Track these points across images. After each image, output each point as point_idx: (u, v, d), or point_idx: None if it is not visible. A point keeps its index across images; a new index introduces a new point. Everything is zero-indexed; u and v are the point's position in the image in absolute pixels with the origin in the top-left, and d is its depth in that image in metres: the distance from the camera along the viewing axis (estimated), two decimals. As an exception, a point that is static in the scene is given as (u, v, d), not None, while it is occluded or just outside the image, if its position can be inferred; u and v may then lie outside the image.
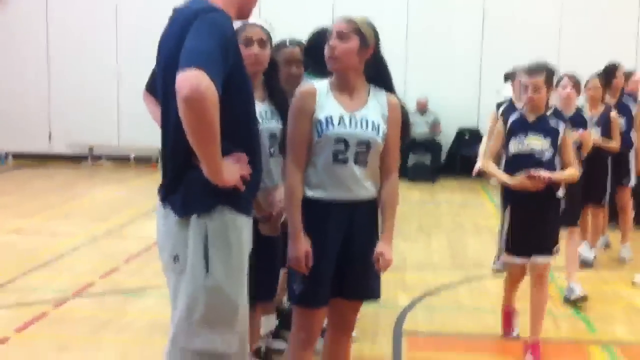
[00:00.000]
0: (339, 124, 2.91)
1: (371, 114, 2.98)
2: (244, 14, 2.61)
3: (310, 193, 2.94)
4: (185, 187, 2.42)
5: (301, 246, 2.89)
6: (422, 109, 12.21)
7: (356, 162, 2.94)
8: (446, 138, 12.46)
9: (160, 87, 2.51)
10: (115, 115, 12.66)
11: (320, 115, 2.91)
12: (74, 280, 5.68)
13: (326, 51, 2.94)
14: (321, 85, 2.98)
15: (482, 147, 6.02)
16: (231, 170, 2.37)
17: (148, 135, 11.69)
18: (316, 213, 2.93)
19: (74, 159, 12.87)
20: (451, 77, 12.30)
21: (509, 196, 4.33)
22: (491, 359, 4.47)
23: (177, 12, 2.48)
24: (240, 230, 2.47)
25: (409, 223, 8.38)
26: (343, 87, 2.98)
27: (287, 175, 2.97)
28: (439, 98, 12.23)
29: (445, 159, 12.53)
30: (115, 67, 12.49)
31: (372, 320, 4.91)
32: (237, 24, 2.98)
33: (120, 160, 12.78)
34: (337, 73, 2.98)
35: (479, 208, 9.63)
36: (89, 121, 12.52)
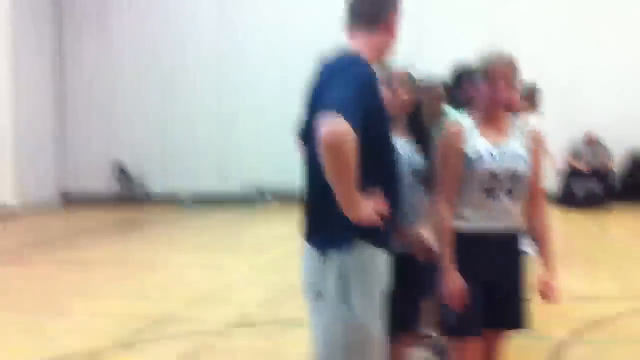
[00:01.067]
0: (488, 158, 3.00)
1: (516, 146, 3.05)
2: (382, 57, 2.76)
3: (462, 225, 3.03)
4: (326, 226, 2.56)
5: (456, 281, 2.98)
6: (591, 143, 11.69)
7: (507, 194, 3.02)
8: (619, 163, 11.81)
9: (305, 133, 2.68)
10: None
11: (470, 151, 3.01)
12: (234, 310, 6.01)
13: (489, 92, 3.02)
14: (467, 123, 3.09)
15: None
16: (368, 208, 2.47)
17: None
18: (467, 245, 3.01)
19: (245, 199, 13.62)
20: (619, 98, 11.64)
21: None
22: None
23: (325, 61, 2.65)
24: (377, 264, 2.58)
25: (575, 253, 8.02)
26: (489, 123, 3.07)
27: (438, 211, 3.06)
28: (608, 120, 11.60)
29: (618, 187, 11.82)
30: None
31: (526, 355, 4.76)
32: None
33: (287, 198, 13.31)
34: (487, 110, 3.07)
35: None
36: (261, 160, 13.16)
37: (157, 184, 14.17)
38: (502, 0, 12.22)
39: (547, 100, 9.43)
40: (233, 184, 13.67)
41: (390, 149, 2.68)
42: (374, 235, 2.54)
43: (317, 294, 2.57)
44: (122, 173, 14.28)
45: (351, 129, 2.29)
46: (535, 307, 5.61)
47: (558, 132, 11.45)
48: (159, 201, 13.88)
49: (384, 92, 3.35)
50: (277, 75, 13.03)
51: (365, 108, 2.41)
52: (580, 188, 11.52)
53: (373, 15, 2.68)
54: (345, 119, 2.28)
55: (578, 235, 9.32)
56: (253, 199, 13.46)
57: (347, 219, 2.45)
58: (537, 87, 8.30)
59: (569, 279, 6.70)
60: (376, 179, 2.55)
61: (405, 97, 3.43)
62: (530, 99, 8.05)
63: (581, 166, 11.48)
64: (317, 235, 2.60)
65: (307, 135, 2.61)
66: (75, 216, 12.94)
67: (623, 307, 5.76)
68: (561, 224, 10.33)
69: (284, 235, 9.90)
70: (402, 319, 3.25)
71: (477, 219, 3.02)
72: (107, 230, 11.21)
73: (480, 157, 2.99)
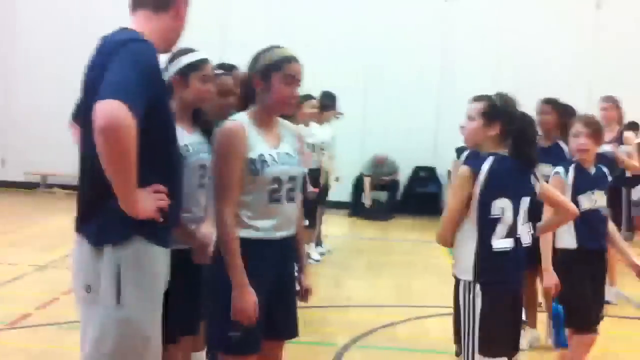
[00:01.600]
0: (271, 162, 2.94)
1: (289, 148, 3.05)
2: (169, 45, 2.65)
3: (251, 234, 2.92)
4: (100, 217, 2.40)
5: (249, 297, 2.83)
6: (381, 163, 12.27)
7: (287, 198, 3.00)
8: (402, 176, 12.54)
9: (82, 116, 2.51)
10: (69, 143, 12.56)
11: (252, 153, 2.92)
12: (11, 310, 5.59)
13: (285, 92, 2.98)
14: (245, 120, 3.01)
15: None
16: (147, 202, 2.36)
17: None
18: (252, 252, 2.89)
19: (28, 186, 12.72)
20: (408, 115, 12.36)
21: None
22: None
23: (103, 40, 2.49)
24: (154, 261, 2.46)
25: (358, 260, 8.43)
26: (266, 123, 3.05)
27: (223, 220, 2.87)
28: (395, 135, 12.29)
29: (402, 197, 12.61)
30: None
31: (311, 357, 4.91)
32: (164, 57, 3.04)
33: (74, 189, 12.65)
34: (273, 110, 3.07)
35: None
36: (44, 148, 12.38)
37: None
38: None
39: (344, 125, 9.87)
40: (15, 171, 12.75)
41: (173, 141, 2.59)
42: (153, 230, 2.42)
43: (86, 289, 2.42)
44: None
45: (130, 113, 2.18)
46: (320, 315, 5.87)
47: (351, 155, 12.02)
48: None
49: (196, 84, 3.31)
50: (55, 62, 12.31)
51: (148, 94, 2.31)
52: (368, 199, 12.11)
53: None
54: (124, 104, 2.17)
55: (364, 245, 9.80)
56: (36, 187, 12.67)
57: (124, 211, 2.33)
58: (332, 99, 8.65)
59: (354, 287, 7.06)
60: (157, 171, 2.45)
61: (213, 90, 3.40)
62: (326, 110, 8.39)
63: (371, 180, 12.07)
64: (89, 227, 2.43)
65: (84, 118, 2.43)
66: None
67: (400, 316, 6.13)
68: (349, 233, 10.84)
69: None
70: (181, 321, 3.15)
71: (265, 226, 2.93)
72: None
73: (264, 160, 2.92)
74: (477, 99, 3.40)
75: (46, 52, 12.49)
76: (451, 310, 4.09)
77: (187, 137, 3.28)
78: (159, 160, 2.46)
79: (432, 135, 12.47)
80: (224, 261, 2.86)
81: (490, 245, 3.21)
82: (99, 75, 2.31)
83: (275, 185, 2.94)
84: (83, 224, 2.48)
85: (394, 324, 5.87)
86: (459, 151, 4.66)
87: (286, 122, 3.16)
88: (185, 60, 3.32)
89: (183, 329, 3.29)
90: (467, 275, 3.26)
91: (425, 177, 12.59)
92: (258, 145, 2.92)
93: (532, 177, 3.34)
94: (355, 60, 12.31)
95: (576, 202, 3.86)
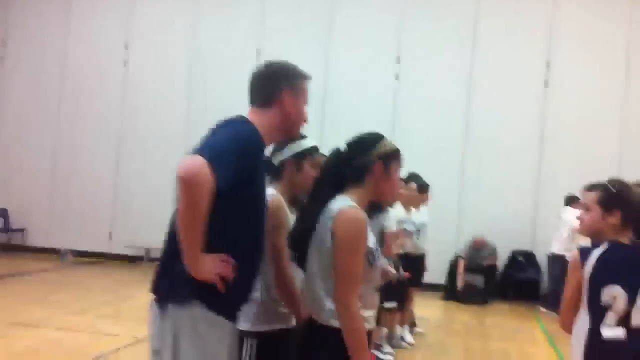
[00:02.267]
0: (378, 253, 2.92)
1: None
2: (273, 139, 2.81)
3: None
4: (168, 277, 2.47)
5: None
6: (480, 247, 11.95)
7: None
8: (500, 259, 12.23)
9: None
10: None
11: (370, 244, 2.84)
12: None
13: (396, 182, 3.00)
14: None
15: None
16: (209, 264, 2.39)
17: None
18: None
19: (132, 259, 13.20)
20: (505, 197, 12.22)
21: None
22: None
23: (217, 123, 2.63)
24: (213, 327, 2.45)
25: (455, 346, 8.23)
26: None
27: (353, 313, 2.73)
28: (492, 218, 12.11)
29: (499, 282, 12.28)
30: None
31: None
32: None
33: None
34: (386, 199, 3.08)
35: (529, 336, 9.37)
36: (148, 222, 12.86)
37: (39, 236, 13.59)
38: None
39: (439, 192, 9.88)
40: (120, 244, 13.28)
41: (256, 219, 2.61)
42: (214, 298, 2.43)
43: (155, 353, 2.47)
44: (1, 221, 13.62)
45: (209, 171, 2.26)
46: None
47: (448, 224, 11.95)
48: (39, 254, 13.27)
49: (308, 169, 3.34)
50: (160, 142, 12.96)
51: (239, 165, 2.39)
52: (461, 281, 11.86)
53: (265, 94, 2.71)
54: (207, 161, 2.26)
55: (458, 329, 9.57)
56: (139, 259, 13.12)
57: (189, 275, 2.37)
58: (428, 184, 8.66)
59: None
60: (231, 242, 2.47)
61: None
62: (424, 193, 8.40)
63: (462, 269, 11.76)
64: (159, 287, 2.51)
65: None
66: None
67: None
68: (443, 316, 10.62)
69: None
70: None
71: (370, 317, 2.86)
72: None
73: (377, 251, 2.87)
74: (592, 187, 3.30)
75: (154, 131, 13.16)
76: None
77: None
78: (235, 233, 2.49)
79: (530, 218, 12.24)
80: (351, 354, 2.71)
81: (599, 334, 3.08)
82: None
83: (379, 275, 2.96)
84: (156, 285, 2.55)
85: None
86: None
87: None
88: (304, 145, 3.37)
89: None
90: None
91: (523, 262, 12.26)
92: (370, 234, 2.86)
93: None
94: (452, 141, 12.37)
95: None
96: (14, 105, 13.84)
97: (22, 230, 13.73)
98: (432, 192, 8.84)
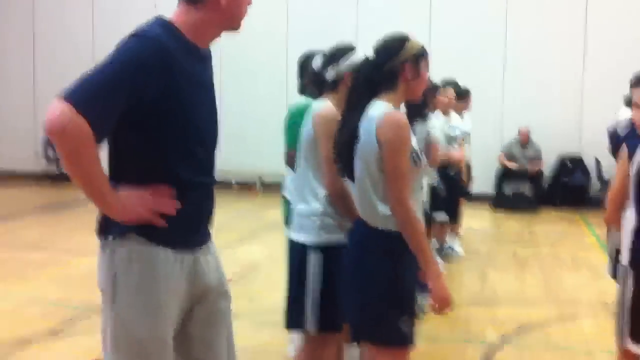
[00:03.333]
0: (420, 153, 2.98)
1: None
2: (233, 28, 2.35)
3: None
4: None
5: (446, 289, 2.88)
6: (524, 141, 11.82)
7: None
8: (547, 165, 12.04)
9: None
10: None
11: (414, 144, 2.93)
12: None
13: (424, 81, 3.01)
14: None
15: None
16: (131, 206, 2.21)
17: (249, 160, 12.28)
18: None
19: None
20: (550, 102, 11.98)
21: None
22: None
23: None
24: (153, 263, 2.24)
25: (504, 254, 8.24)
26: None
27: (408, 211, 2.81)
28: (537, 124, 11.90)
29: (546, 188, 12.15)
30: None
31: (459, 356, 4.86)
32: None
33: (222, 185, 13.14)
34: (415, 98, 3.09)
35: (579, 241, 9.31)
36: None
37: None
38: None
39: (480, 100, 9.71)
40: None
41: (192, 138, 2.30)
42: (152, 230, 2.24)
43: (100, 289, 2.33)
44: (51, 151, 13.83)
45: (79, 120, 2.01)
46: (466, 311, 5.78)
47: (491, 132, 11.81)
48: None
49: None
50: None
51: (125, 93, 2.10)
52: (510, 190, 11.80)
53: None
54: (75, 108, 2.01)
55: (507, 238, 9.56)
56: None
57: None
58: (468, 89, 8.53)
59: (500, 282, 6.90)
60: (164, 173, 2.25)
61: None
62: (463, 99, 8.26)
63: (513, 166, 11.75)
64: (98, 224, 2.36)
65: None
66: (0, 196, 12.48)
67: (550, 313, 5.93)
68: (492, 226, 10.61)
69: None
70: (322, 317, 3.24)
71: (419, 217, 2.92)
72: (34, 211, 10.86)
73: (420, 151, 2.95)
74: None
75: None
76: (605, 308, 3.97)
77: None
78: (167, 162, 2.25)
79: (576, 122, 11.99)
80: (412, 251, 2.83)
81: None
82: None
83: (423, 175, 2.99)
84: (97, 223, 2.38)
85: (546, 321, 5.70)
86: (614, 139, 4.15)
87: None
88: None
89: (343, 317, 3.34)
90: (625, 258, 3.12)
91: (571, 167, 12.07)
92: (411, 134, 2.94)
93: None
94: (496, 44, 12.06)
95: None
96: None
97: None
98: (474, 98, 8.72)
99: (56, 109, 2.02)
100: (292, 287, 3.36)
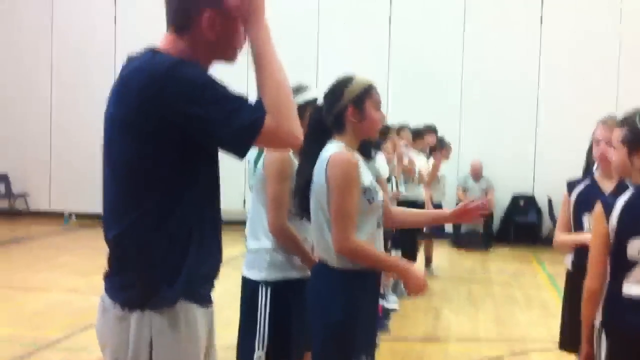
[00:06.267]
0: (377, 190, 3.01)
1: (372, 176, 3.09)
2: (225, 56, 2.14)
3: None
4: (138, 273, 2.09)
5: (417, 271, 3.00)
6: (476, 174, 12.08)
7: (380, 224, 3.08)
8: (500, 203, 12.29)
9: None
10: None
11: (366, 182, 2.95)
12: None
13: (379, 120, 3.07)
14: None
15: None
16: None
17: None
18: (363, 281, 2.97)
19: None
20: (506, 139, 12.23)
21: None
22: None
23: (129, 61, 2.10)
24: (192, 322, 2.07)
25: (458, 293, 8.33)
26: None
27: (357, 245, 2.87)
28: (493, 162, 12.11)
29: (499, 226, 12.38)
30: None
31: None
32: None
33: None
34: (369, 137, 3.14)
35: (531, 279, 9.47)
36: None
37: (41, 200, 13.62)
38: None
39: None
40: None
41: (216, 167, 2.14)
42: (194, 289, 2.07)
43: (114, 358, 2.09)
44: (3, 186, 13.62)
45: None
46: (419, 348, 5.82)
47: (449, 169, 11.98)
48: (41, 218, 13.32)
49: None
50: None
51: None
52: (465, 227, 11.96)
53: (181, 12, 2.06)
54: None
55: (462, 275, 9.67)
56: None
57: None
58: (431, 127, 8.81)
59: (454, 320, 6.98)
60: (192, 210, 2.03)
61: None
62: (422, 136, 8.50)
63: (469, 199, 11.91)
64: (123, 285, 2.09)
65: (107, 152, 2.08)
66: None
67: (502, 350, 6.01)
68: (448, 264, 10.72)
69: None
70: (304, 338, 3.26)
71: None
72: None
73: (375, 187, 2.98)
74: (616, 123, 3.09)
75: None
76: (555, 346, 4.04)
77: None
78: (197, 190, 2.05)
79: (529, 162, 12.26)
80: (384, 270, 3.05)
81: (620, 290, 2.77)
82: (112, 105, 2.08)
83: (381, 211, 3.03)
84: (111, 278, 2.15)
85: (497, 358, 5.77)
86: (571, 186, 3.82)
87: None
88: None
89: (299, 352, 3.39)
90: (597, 317, 2.88)
91: (523, 206, 12.32)
92: (364, 173, 2.97)
93: None
94: (453, 79, 12.32)
95: None
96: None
97: (23, 195, 13.75)
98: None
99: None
100: (243, 322, 3.40)
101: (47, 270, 8.77)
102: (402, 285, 7.82)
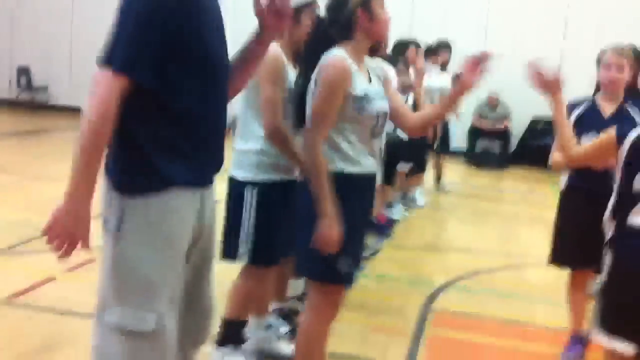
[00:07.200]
0: (375, 98, 2.92)
1: (379, 87, 3.01)
2: None
3: (350, 168, 2.89)
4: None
5: (336, 227, 2.78)
6: (493, 104, 11.94)
7: (379, 134, 3.00)
8: (519, 127, 12.19)
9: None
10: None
11: (357, 90, 2.85)
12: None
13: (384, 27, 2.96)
14: (348, 58, 2.90)
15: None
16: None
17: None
18: (355, 187, 2.92)
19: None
20: (525, 63, 12.00)
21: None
22: (515, 344, 4.46)
23: None
24: (164, 196, 2.19)
25: (465, 207, 8.40)
26: (360, 60, 2.95)
27: (315, 148, 2.82)
28: (511, 85, 11.94)
29: (517, 149, 12.31)
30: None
31: (403, 296, 5.02)
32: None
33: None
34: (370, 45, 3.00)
35: (541, 200, 9.48)
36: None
37: (61, 94, 13.71)
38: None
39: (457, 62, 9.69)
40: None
41: (206, 71, 2.22)
42: (171, 173, 2.19)
43: (101, 214, 2.32)
44: (24, 78, 13.71)
45: (123, 86, 2.04)
46: (419, 255, 5.94)
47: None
48: (62, 111, 13.44)
49: (307, 21, 3.25)
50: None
51: (162, 37, 2.06)
52: (480, 147, 11.94)
53: None
54: (121, 71, 2.04)
55: (473, 192, 9.72)
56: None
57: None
58: (445, 43, 8.59)
59: (458, 232, 7.07)
60: (177, 109, 2.16)
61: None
62: (436, 52, 8.34)
63: (483, 125, 11.89)
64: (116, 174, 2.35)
65: None
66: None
67: (499, 263, 6.10)
68: (461, 180, 10.76)
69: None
70: (278, 246, 3.37)
71: (365, 161, 2.92)
72: (3, 137, 10.82)
73: (368, 96, 2.87)
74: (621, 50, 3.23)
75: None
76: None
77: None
78: (178, 94, 2.17)
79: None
80: (313, 191, 2.80)
81: (625, 221, 2.74)
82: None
83: (375, 122, 2.93)
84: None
85: (493, 269, 5.86)
86: (570, 107, 3.89)
87: (369, 59, 3.06)
88: None
89: (283, 251, 3.44)
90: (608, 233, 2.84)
91: (541, 129, 12.20)
92: (359, 81, 2.88)
93: None
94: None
95: None
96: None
97: (44, 88, 13.84)
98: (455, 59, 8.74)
99: (101, 85, 2.06)
100: (228, 220, 3.43)
101: (62, 162, 8.90)
102: (410, 196, 7.89)
